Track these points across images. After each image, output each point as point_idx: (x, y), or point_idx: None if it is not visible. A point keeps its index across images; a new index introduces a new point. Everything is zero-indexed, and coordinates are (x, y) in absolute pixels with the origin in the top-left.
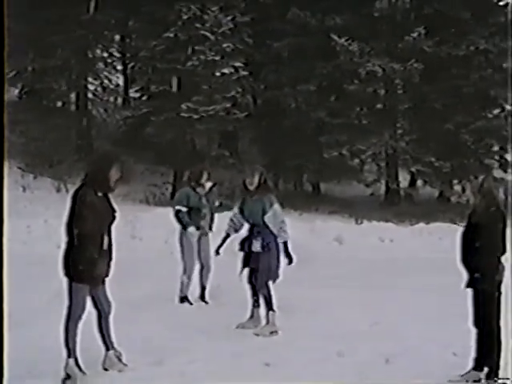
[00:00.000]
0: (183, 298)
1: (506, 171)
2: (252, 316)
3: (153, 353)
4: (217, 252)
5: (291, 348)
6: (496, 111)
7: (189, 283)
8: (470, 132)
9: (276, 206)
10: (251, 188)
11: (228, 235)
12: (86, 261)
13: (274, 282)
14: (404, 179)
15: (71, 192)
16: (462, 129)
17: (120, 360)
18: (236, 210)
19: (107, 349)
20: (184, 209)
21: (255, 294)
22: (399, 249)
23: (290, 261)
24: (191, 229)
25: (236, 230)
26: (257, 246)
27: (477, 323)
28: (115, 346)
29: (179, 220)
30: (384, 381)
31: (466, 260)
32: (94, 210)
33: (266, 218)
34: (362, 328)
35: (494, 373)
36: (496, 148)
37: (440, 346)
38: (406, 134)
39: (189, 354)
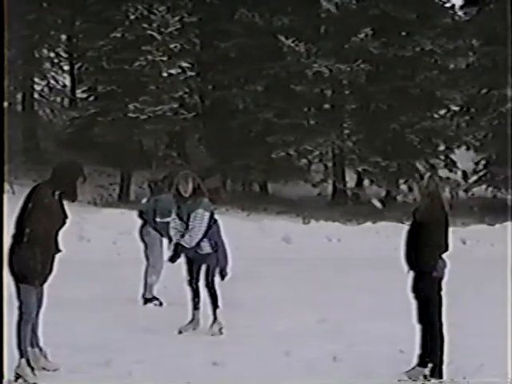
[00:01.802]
0: (151, 299)
1: (451, 170)
2: (193, 319)
3: (100, 353)
4: (172, 261)
5: (239, 347)
6: (442, 111)
7: (156, 283)
8: (416, 132)
9: (206, 212)
10: (186, 195)
11: (178, 243)
12: (35, 262)
13: (222, 279)
14: (351, 179)
15: (18, 193)
16: (407, 129)
17: (46, 357)
18: (174, 217)
19: (32, 346)
20: None
21: (196, 297)
22: (346, 248)
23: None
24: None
25: (182, 236)
26: (206, 246)
27: (420, 320)
28: (41, 344)
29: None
30: (332, 378)
31: (409, 257)
32: (49, 211)
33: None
34: (309, 326)
35: (437, 368)
36: (442, 148)
37: (387, 344)
38: (353, 134)
39: (136, 355)
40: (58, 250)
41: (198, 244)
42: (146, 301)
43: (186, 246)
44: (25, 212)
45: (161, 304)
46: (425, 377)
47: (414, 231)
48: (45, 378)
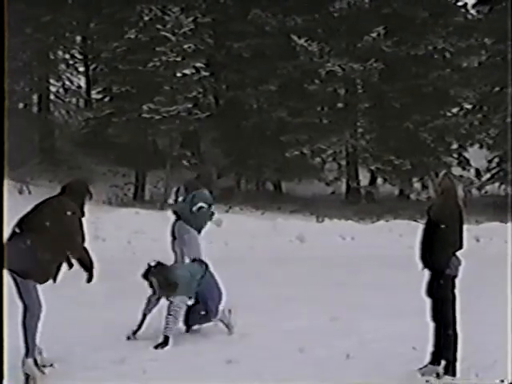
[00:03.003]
0: None
1: (464, 168)
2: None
3: (115, 351)
4: None
5: (252, 345)
6: (455, 110)
7: None
8: (429, 130)
9: None
10: None
11: None
12: (50, 261)
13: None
14: (364, 177)
15: (34, 193)
16: (420, 127)
17: (41, 354)
18: None
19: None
20: None
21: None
22: (360, 246)
23: None
24: None
25: None
26: None
27: (434, 317)
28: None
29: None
30: (344, 376)
31: (424, 255)
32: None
33: None
34: (322, 324)
35: (451, 366)
36: (455, 146)
37: (400, 341)
38: (366, 132)
39: (150, 352)
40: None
41: None
42: None
43: None
44: (37, 215)
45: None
46: (437, 374)
47: (429, 229)
48: (59, 375)
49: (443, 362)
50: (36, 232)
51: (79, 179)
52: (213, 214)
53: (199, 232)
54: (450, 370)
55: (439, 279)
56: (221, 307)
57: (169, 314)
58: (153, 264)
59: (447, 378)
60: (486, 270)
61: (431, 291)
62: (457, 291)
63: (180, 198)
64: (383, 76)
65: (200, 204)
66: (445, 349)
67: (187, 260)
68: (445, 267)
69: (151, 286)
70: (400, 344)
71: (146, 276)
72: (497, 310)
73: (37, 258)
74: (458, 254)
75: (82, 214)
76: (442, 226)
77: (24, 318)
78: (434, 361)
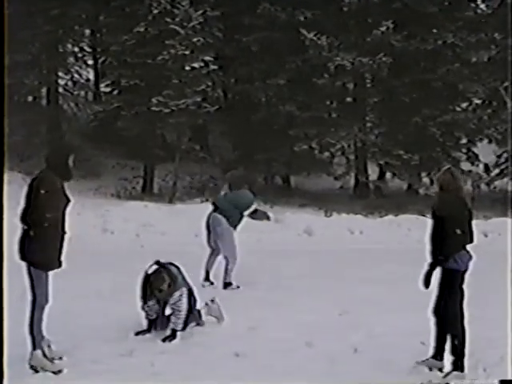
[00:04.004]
0: (230, 283)
1: (473, 164)
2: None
3: (123, 344)
4: None
5: (260, 338)
6: (464, 105)
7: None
8: (438, 125)
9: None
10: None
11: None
12: (50, 247)
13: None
14: (373, 172)
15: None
16: (429, 122)
17: (49, 347)
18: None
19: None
20: None
21: None
22: (368, 241)
23: None
24: None
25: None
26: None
27: (436, 312)
28: (44, 334)
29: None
30: (353, 370)
31: (434, 251)
32: (56, 196)
33: None
34: (330, 318)
35: (459, 361)
36: (464, 141)
37: (408, 336)
38: (375, 127)
39: (158, 346)
40: (64, 232)
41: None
42: (226, 285)
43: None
44: (30, 202)
45: (238, 287)
46: (440, 369)
47: (435, 224)
48: (67, 368)
49: (449, 357)
50: (34, 221)
51: (58, 147)
52: (256, 210)
53: (235, 228)
54: (459, 365)
55: (444, 272)
56: (202, 303)
57: (172, 309)
58: (153, 269)
59: (455, 373)
60: (494, 265)
61: (442, 281)
62: (464, 286)
63: (222, 193)
64: (392, 70)
65: (254, 207)
66: (452, 344)
67: (222, 255)
68: (446, 261)
69: (145, 291)
70: (408, 338)
71: (147, 278)
72: (504, 306)
73: (41, 246)
74: (468, 248)
75: (68, 178)
76: (444, 220)
77: (33, 310)
78: (436, 355)
